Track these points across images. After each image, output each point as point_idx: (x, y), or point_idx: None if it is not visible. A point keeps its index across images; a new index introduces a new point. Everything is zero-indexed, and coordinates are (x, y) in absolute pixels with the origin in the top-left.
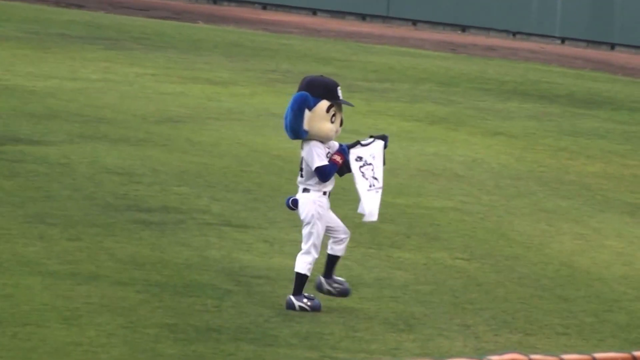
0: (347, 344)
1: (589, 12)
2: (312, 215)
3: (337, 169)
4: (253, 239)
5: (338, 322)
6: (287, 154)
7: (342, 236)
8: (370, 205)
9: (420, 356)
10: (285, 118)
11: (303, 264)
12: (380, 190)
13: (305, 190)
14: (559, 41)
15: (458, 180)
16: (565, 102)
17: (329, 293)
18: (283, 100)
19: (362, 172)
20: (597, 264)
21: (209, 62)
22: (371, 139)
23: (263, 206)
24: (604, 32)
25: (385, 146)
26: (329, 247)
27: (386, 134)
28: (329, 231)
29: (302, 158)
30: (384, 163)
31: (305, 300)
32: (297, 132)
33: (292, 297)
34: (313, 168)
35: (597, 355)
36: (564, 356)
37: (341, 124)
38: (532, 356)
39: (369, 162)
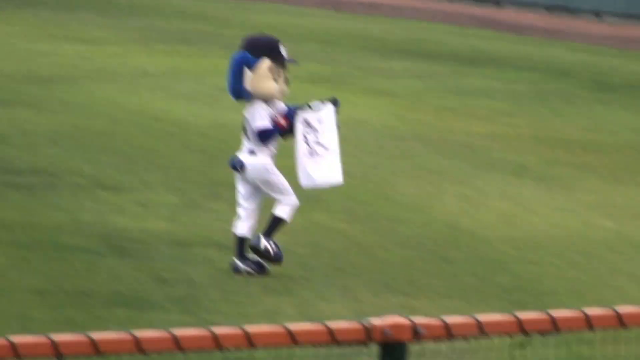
0: (224, 307)
1: None
2: (271, 178)
3: (279, 132)
4: (127, 201)
5: (215, 285)
6: (164, 114)
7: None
8: (306, 171)
9: (300, 320)
10: (227, 80)
11: (288, 213)
12: (327, 156)
13: (252, 152)
14: None
15: (341, 141)
16: (450, 61)
17: (247, 274)
18: (157, 60)
19: (305, 137)
20: (481, 225)
21: (81, 20)
22: (320, 103)
23: (138, 168)
24: None
25: (336, 110)
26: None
27: (336, 97)
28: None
29: (245, 119)
30: (338, 127)
31: (248, 262)
32: (238, 92)
33: (262, 235)
34: (254, 129)
35: (480, 317)
36: (446, 318)
37: (287, 83)
38: (415, 319)
39: (315, 126)
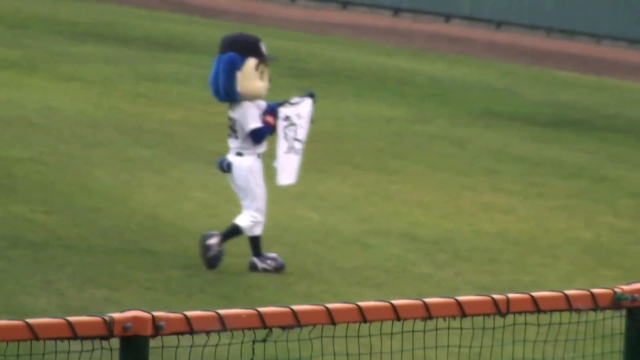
0: None
1: None
2: (250, 182)
3: (270, 130)
4: None
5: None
6: None
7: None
8: (285, 167)
9: (4, 314)
10: (214, 82)
11: (254, 227)
12: (300, 151)
13: (239, 154)
14: None
15: (33, 129)
16: (142, 45)
17: (265, 270)
18: None
19: (285, 133)
20: (182, 216)
21: None
22: (299, 98)
23: None
24: None
25: (313, 103)
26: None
27: (313, 91)
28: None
29: (233, 120)
30: (312, 121)
31: (268, 261)
32: (231, 94)
33: (254, 259)
34: (247, 130)
35: (222, 312)
36: (188, 313)
37: (269, 80)
38: (156, 313)
39: (294, 122)
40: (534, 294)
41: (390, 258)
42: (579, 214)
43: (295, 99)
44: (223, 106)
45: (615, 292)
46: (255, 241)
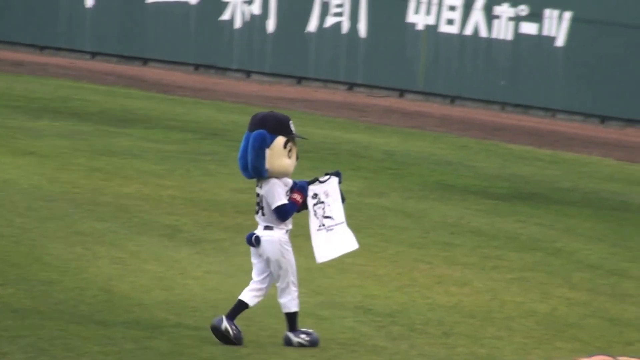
0: None
1: (119, 26)
2: (282, 255)
3: (296, 208)
4: None
5: None
6: None
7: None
8: (319, 245)
9: None
10: (242, 158)
11: (289, 302)
12: (336, 227)
13: (268, 227)
14: (89, 56)
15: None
16: (97, 120)
17: (300, 345)
18: None
19: (315, 211)
20: (136, 289)
21: None
22: (327, 177)
23: None
24: (135, 47)
25: (339, 182)
26: (244, 292)
27: (339, 170)
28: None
29: (260, 196)
30: (343, 200)
31: (302, 335)
32: (260, 170)
33: (289, 333)
34: (273, 207)
35: None
36: None
37: (297, 158)
38: None
39: (322, 200)
40: None
41: (344, 330)
42: (534, 287)
43: (323, 178)
44: (176, 179)
45: None
46: (291, 317)
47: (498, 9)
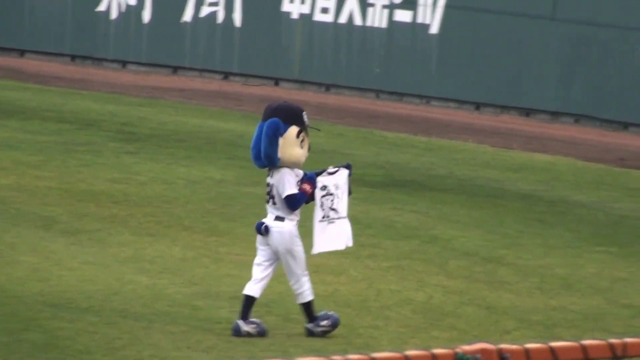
0: None
1: None
2: (294, 246)
3: (306, 198)
4: None
5: None
6: None
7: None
8: (318, 235)
9: None
10: (255, 147)
11: (304, 292)
12: (337, 221)
13: (279, 218)
14: None
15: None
16: None
17: (248, 334)
18: None
19: (322, 202)
20: (12, 281)
21: None
22: (336, 168)
23: None
24: (12, 39)
25: (349, 174)
26: (248, 287)
27: (349, 162)
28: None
29: (270, 186)
30: (350, 192)
31: (323, 322)
32: (272, 159)
33: (308, 325)
34: (283, 196)
35: None
36: None
37: (309, 149)
38: None
39: (332, 192)
40: (368, 354)
41: (220, 321)
42: (410, 275)
43: (332, 169)
44: (52, 170)
45: (456, 353)
46: (308, 306)
47: None
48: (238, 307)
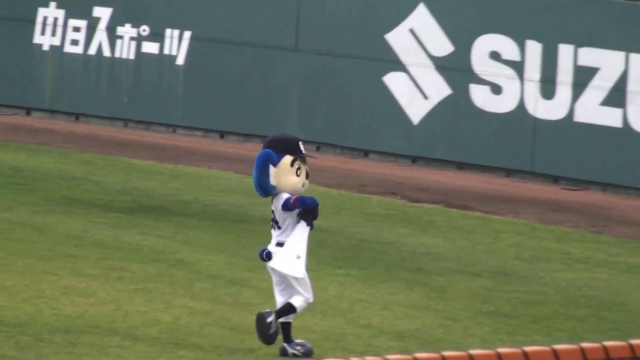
0: None
1: None
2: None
3: (289, 203)
4: None
5: None
6: None
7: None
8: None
9: None
10: (254, 178)
11: (300, 303)
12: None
13: (279, 244)
14: None
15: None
16: None
17: (294, 356)
18: None
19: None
20: None
21: None
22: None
23: None
24: None
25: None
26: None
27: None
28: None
29: (273, 211)
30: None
31: (298, 347)
32: (265, 187)
33: (285, 345)
34: (280, 206)
35: None
36: None
37: (307, 177)
38: None
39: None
40: None
41: None
42: (157, 297)
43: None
44: None
45: None
46: (287, 327)
47: (121, 29)
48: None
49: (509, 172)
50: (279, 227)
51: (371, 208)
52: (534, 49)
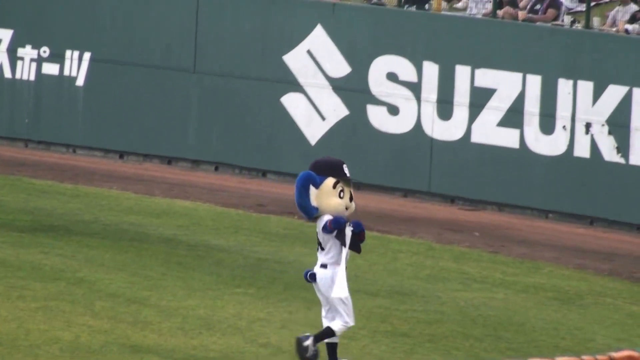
0: None
1: None
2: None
3: (327, 224)
4: None
5: None
6: None
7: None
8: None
9: None
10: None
11: (339, 327)
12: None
13: (323, 266)
14: None
15: None
16: None
17: None
18: None
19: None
20: None
21: None
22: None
23: None
24: None
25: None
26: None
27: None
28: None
29: (317, 233)
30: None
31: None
32: (306, 208)
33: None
34: (321, 229)
35: None
36: None
37: (351, 199)
38: None
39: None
40: None
41: None
42: (58, 316)
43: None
44: None
45: None
46: (331, 347)
47: (21, 51)
48: None
49: (406, 192)
50: (322, 249)
51: (270, 227)
52: (430, 70)
